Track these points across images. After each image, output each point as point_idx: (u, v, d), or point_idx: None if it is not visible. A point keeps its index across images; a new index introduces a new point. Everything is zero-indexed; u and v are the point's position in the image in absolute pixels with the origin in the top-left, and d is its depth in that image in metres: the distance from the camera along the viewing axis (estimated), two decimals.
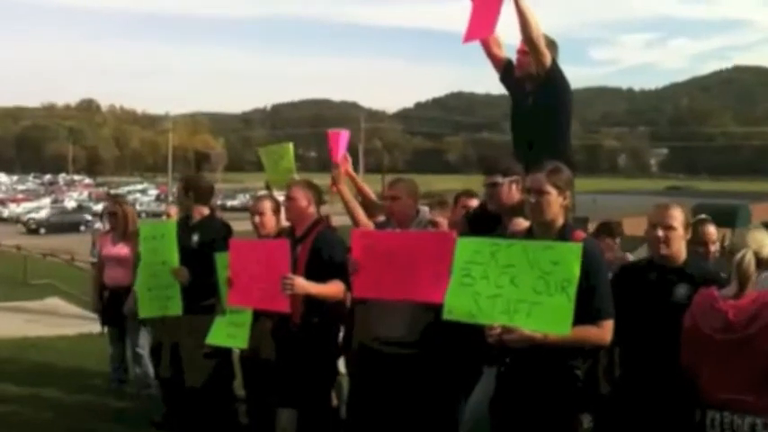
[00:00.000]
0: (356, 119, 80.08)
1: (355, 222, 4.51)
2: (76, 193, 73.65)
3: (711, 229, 4.35)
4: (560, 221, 3.21)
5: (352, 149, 4.97)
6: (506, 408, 3.27)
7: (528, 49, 4.01)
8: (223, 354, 5.04)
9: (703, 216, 4.54)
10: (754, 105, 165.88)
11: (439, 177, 78.28)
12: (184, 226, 5.24)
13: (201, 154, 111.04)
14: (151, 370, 6.26)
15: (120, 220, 6.50)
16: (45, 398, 6.47)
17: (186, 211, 5.34)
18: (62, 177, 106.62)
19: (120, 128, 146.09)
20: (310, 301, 4.25)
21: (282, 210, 4.78)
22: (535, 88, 4.10)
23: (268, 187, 5.71)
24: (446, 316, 3.20)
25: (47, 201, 61.08)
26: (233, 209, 49.87)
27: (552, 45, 4.07)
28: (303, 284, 4.13)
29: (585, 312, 3.00)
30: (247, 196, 58.52)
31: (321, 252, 4.32)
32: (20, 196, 66.98)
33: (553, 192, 3.16)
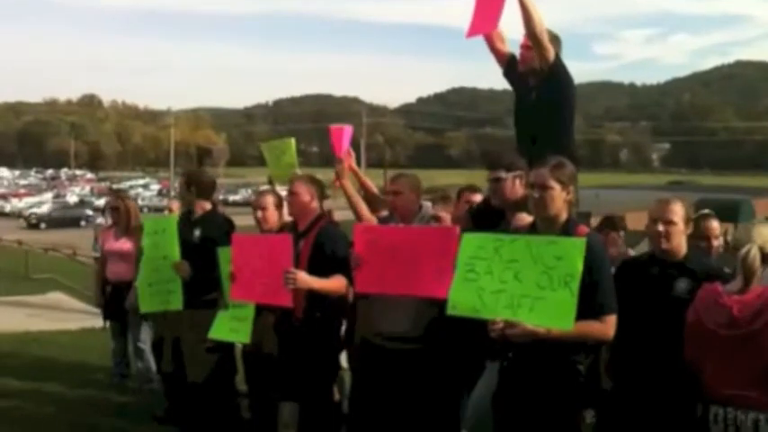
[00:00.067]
0: (358, 114, 79.98)
1: (358, 217, 4.51)
2: (78, 188, 73.78)
3: (714, 224, 4.33)
4: (564, 216, 3.20)
5: (353, 144, 4.97)
6: (509, 403, 3.27)
7: (531, 44, 4.00)
8: (225, 348, 5.04)
9: (706, 211, 4.52)
10: (756, 100, 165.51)
11: (441, 172, 78.22)
12: (186, 221, 5.24)
13: (203, 149, 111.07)
14: (153, 365, 6.27)
15: (123, 215, 6.50)
16: (47, 392, 6.48)
17: (188, 205, 5.33)
18: (64, 172, 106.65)
19: (121, 123, 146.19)
20: (313, 295, 4.25)
21: (285, 204, 4.78)
22: (538, 83, 4.09)
23: (270, 182, 5.71)
24: (450, 311, 3.19)
25: (49, 196, 61.16)
26: (235, 204, 49.83)
27: (555, 40, 4.06)
28: (305, 279, 4.13)
29: (588, 307, 2.99)
30: (249, 191, 58.61)
31: (324, 247, 4.31)
32: (22, 191, 67.03)
33: (556, 187, 3.16)
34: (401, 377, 4.02)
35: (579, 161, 3.87)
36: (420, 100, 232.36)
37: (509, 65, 4.35)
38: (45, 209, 47.95)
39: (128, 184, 77.71)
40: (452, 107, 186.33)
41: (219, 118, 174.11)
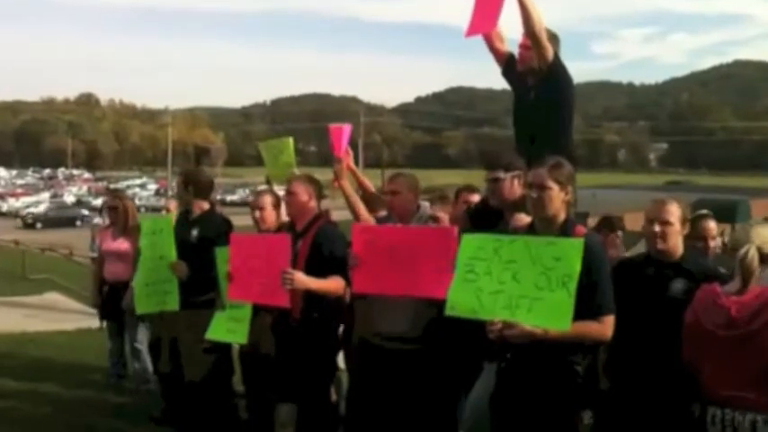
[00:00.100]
0: (356, 113, 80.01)
1: (356, 218, 4.49)
2: (76, 188, 73.78)
3: (711, 225, 4.33)
4: (562, 217, 3.19)
5: (351, 144, 4.95)
6: (506, 404, 3.26)
7: (530, 44, 3.99)
8: (222, 349, 5.02)
9: (704, 211, 4.52)
10: (754, 100, 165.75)
11: (439, 172, 78.23)
12: (184, 221, 5.23)
13: (201, 148, 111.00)
14: (150, 365, 6.25)
15: (121, 215, 6.48)
16: (44, 393, 6.46)
17: (186, 205, 5.32)
18: (61, 172, 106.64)
19: (119, 122, 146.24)
20: (310, 296, 4.24)
21: (283, 204, 4.76)
22: (537, 83, 4.08)
23: (268, 182, 5.69)
24: (449, 312, 3.18)
25: (46, 195, 61.16)
26: (232, 203, 49.85)
27: (554, 39, 4.04)
28: (303, 279, 4.12)
29: (586, 308, 2.98)
30: (247, 191, 58.56)
31: (322, 247, 4.30)
32: (19, 191, 66.95)
33: (555, 187, 3.15)
34: (399, 378, 4.01)
35: (577, 161, 3.86)
36: (418, 99, 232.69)
37: (508, 64, 4.34)
38: (41, 208, 47.89)
39: (125, 183, 77.71)
40: (450, 107, 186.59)
41: (217, 117, 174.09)
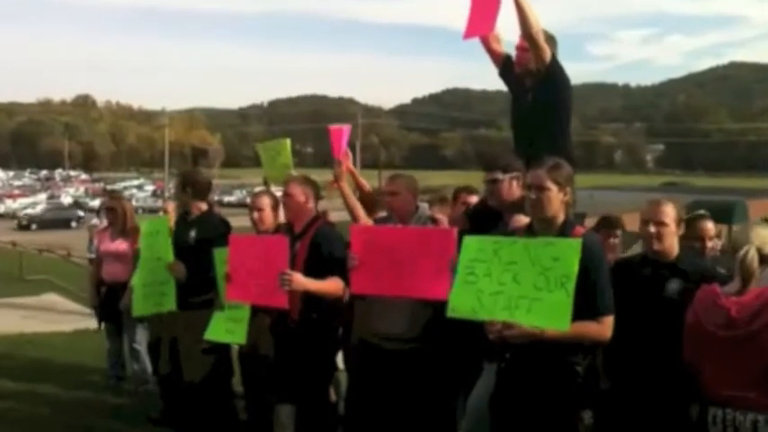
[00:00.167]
0: (353, 115, 79.95)
1: (355, 220, 4.50)
2: (73, 189, 73.58)
3: (708, 225, 4.34)
4: (561, 218, 3.20)
5: (349, 145, 4.96)
6: (506, 404, 3.26)
7: (527, 45, 4.00)
8: (221, 350, 5.03)
9: (701, 212, 4.53)
10: (749, 101, 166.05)
11: (436, 173, 78.22)
12: (182, 222, 5.24)
13: (199, 149, 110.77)
14: (149, 366, 6.26)
15: (119, 216, 6.49)
16: (42, 394, 6.46)
17: (184, 206, 5.33)
18: (58, 173, 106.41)
19: (116, 123, 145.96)
20: (309, 297, 4.24)
21: (281, 206, 4.77)
22: (535, 84, 4.09)
23: (266, 183, 5.70)
24: (450, 314, 3.19)
25: (43, 196, 61.01)
26: (230, 204, 49.78)
27: (551, 40, 4.05)
28: (301, 281, 4.12)
29: (586, 308, 3.00)
30: (244, 192, 58.49)
31: (320, 248, 4.31)
32: (16, 192, 66.80)
33: (553, 188, 3.16)
34: (398, 378, 4.02)
35: (576, 162, 3.87)
36: (415, 101, 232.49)
37: (505, 66, 4.35)
38: (39, 210, 47.81)
39: (122, 184, 77.64)
40: (447, 108, 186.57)
41: (214, 118, 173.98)
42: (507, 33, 4.34)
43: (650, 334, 3.27)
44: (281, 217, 4.82)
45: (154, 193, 64.48)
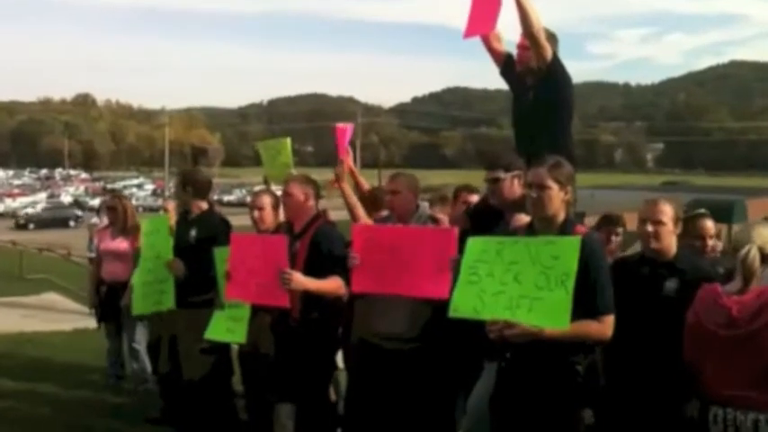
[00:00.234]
0: (353, 113, 79.95)
1: (355, 219, 4.50)
2: (73, 188, 73.63)
3: (708, 224, 4.33)
4: (562, 216, 3.20)
5: (349, 144, 4.96)
6: (506, 404, 3.26)
7: (528, 44, 3.99)
8: (221, 349, 5.03)
9: (701, 210, 4.53)
10: (750, 100, 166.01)
11: (436, 172, 78.21)
12: (183, 221, 5.24)
13: (199, 149, 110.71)
14: (148, 365, 6.26)
15: (120, 215, 6.48)
16: (41, 393, 6.46)
17: (184, 205, 5.33)
18: (58, 172, 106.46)
19: (116, 122, 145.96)
20: (309, 296, 4.24)
21: (282, 205, 4.76)
22: (536, 83, 4.08)
23: (266, 182, 5.70)
24: (452, 314, 3.18)
25: (43, 195, 61.05)
26: (229, 204, 49.80)
27: (552, 38, 4.04)
28: (301, 280, 4.12)
29: (586, 307, 2.99)
30: (244, 191, 58.53)
31: (320, 246, 4.30)
32: (16, 191, 66.82)
33: (554, 186, 3.15)
34: (397, 377, 4.01)
35: (577, 161, 3.87)
36: (415, 99, 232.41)
37: (506, 64, 4.34)
38: (39, 209, 47.83)
39: (122, 183, 77.69)
40: (447, 107, 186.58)
41: (214, 117, 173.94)
42: (508, 32, 4.34)
43: (649, 333, 3.27)
44: (282, 216, 4.82)
45: (154, 192, 64.53)
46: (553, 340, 2.97)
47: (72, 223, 44.21)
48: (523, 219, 3.48)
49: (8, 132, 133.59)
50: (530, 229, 3.28)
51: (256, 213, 4.81)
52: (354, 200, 4.63)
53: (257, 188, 5.83)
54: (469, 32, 4.06)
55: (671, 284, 3.30)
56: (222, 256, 4.68)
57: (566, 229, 3.16)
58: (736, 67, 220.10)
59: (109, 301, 6.50)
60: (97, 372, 7.20)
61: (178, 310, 5.09)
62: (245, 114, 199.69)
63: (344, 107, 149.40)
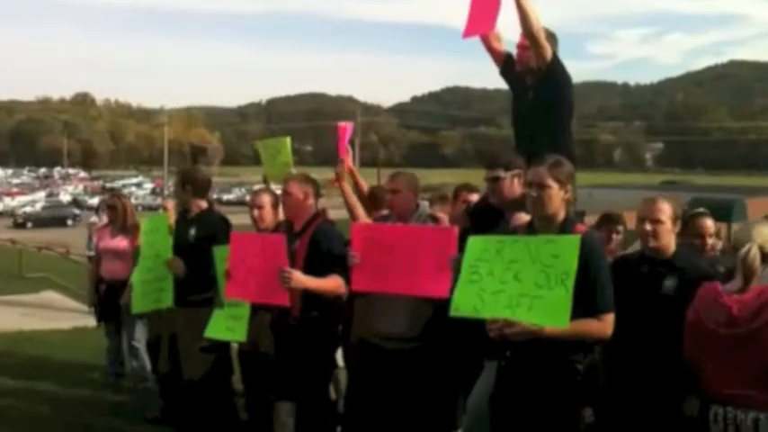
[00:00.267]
0: (352, 113, 79.92)
1: (354, 219, 4.50)
2: (72, 187, 73.58)
3: (708, 223, 4.34)
4: (562, 215, 3.20)
5: (349, 143, 4.96)
6: (506, 403, 3.26)
7: (528, 43, 3.99)
8: (221, 348, 5.03)
9: (701, 209, 4.54)
10: (749, 100, 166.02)
11: (435, 172, 78.20)
12: (182, 220, 5.24)
13: (198, 148, 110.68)
14: (148, 363, 6.25)
15: (120, 214, 6.49)
16: (41, 392, 6.46)
17: (184, 204, 5.33)
18: (57, 171, 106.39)
19: (115, 121, 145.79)
20: (309, 295, 4.24)
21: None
22: (536, 82, 4.08)
23: (265, 181, 5.70)
24: (453, 313, 3.18)
25: (42, 194, 61.02)
26: (228, 203, 49.81)
27: (552, 38, 4.04)
28: (301, 279, 4.12)
29: (586, 306, 2.99)
30: (243, 190, 58.53)
31: (320, 245, 4.30)
32: (15, 190, 66.79)
33: (554, 185, 3.15)
34: (397, 376, 4.02)
35: (577, 160, 3.87)
36: (414, 99, 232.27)
37: (506, 64, 4.34)
38: (35, 208, 47.81)
39: (121, 182, 77.64)
40: (447, 106, 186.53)
41: (213, 116, 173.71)
42: (508, 32, 4.34)
43: (647, 331, 3.27)
44: (281, 215, 4.82)
45: (153, 191, 64.50)
46: (553, 339, 2.97)
47: (70, 222, 44.22)
48: (524, 218, 3.49)
49: (7, 131, 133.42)
50: (530, 228, 3.29)
51: (256, 212, 4.81)
52: (354, 199, 4.64)
53: (256, 187, 5.84)
54: (469, 32, 4.06)
55: (670, 283, 3.30)
56: (222, 255, 4.68)
57: (566, 227, 3.16)
58: (735, 67, 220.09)
59: (108, 299, 6.50)
60: (96, 370, 7.19)
61: (178, 308, 5.10)
62: (244, 113, 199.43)
63: (344, 106, 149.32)
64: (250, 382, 5.03)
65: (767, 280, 3.01)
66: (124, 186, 67.23)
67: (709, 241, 4.30)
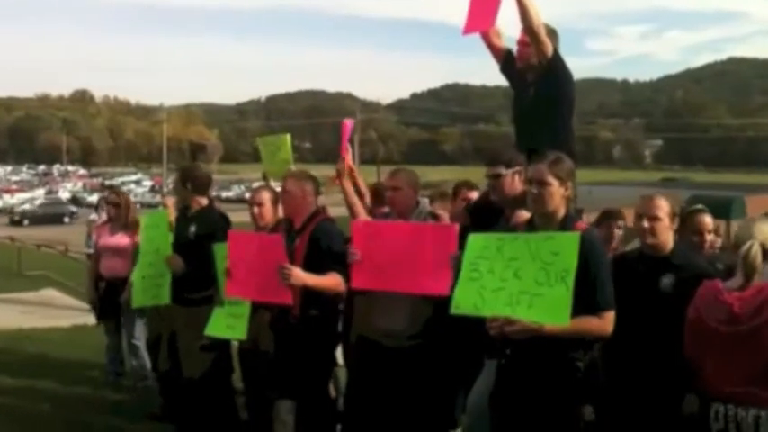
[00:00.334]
0: (351, 110, 79.92)
1: (354, 217, 4.49)
2: (71, 184, 73.53)
3: (706, 219, 4.33)
4: (562, 212, 3.19)
5: (348, 141, 4.96)
6: (506, 401, 3.26)
7: (529, 40, 3.98)
8: (221, 346, 5.02)
9: (699, 206, 4.53)
10: (748, 97, 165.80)
11: (434, 169, 78.13)
12: (183, 217, 5.24)
13: (197, 145, 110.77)
14: (147, 361, 6.26)
15: (123, 210, 6.48)
16: (40, 390, 6.45)
17: (184, 202, 5.32)
18: (56, 168, 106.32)
19: (114, 119, 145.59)
20: (308, 292, 4.23)
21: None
22: (537, 79, 4.08)
23: (265, 178, 5.70)
24: (453, 311, 3.18)
25: (41, 191, 60.97)
26: (228, 200, 49.76)
27: (553, 34, 4.04)
28: (301, 275, 4.11)
29: (587, 303, 2.99)
30: (242, 188, 58.51)
31: (319, 242, 4.29)
32: (14, 187, 66.75)
33: (555, 183, 3.15)
34: (397, 374, 4.01)
35: (577, 157, 3.86)
36: (414, 96, 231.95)
37: (506, 61, 4.33)
38: (32, 205, 47.75)
39: (120, 180, 77.61)
40: (446, 103, 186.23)
41: (212, 114, 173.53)
42: (508, 28, 4.32)
43: (646, 328, 3.28)
44: (281, 212, 4.81)
45: (152, 189, 64.49)
46: (553, 336, 2.97)
47: (66, 219, 44.18)
48: (524, 215, 3.48)
49: (6, 128, 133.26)
50: (530, 225, 3.28)
51: (256, 209, 4.80)
52: (354, 197, 4.63)
53: (256, 184, 5.83)
54: (469, 29, 4.05)
55: (667, 280, 3.31)
56: (222, 253, 4.67)
57: (566, 225, 3.16)
58: (734, 64, 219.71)
59: (108, 297, 6.49)
60: (96, 368, 7.19)
61: (177, 307, 5.09)
62: (243, 111, 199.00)
63: (342, 103, 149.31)
64: (250, 381, 5.03)
65: (767, 277, 3.00)
66: (123, 184, 67.18)
67: (708, 238, 4.30)
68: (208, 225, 5.06)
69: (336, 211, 5.02)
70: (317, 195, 4.56)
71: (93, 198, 41.57)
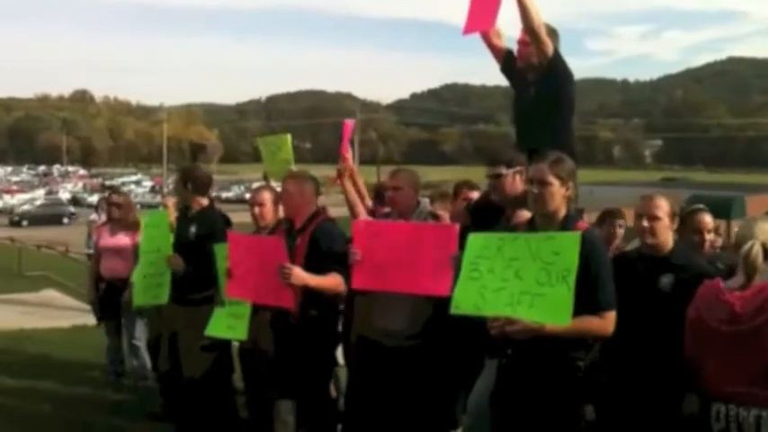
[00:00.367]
0: (351, 110, 79.94)
1: (355, 217, 4.49)
2: (71, 185, 73.54)
3: (706, 219, 4.33)
4: (563, 212, 3.19)
5: (348, 141, 4.96)
6: (507, 401, 3.26)
7: (529, 39, 3.98)
8: (222, 346, 5.02)
9: (699, 205, 4.53)
10: (748, 97, 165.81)
11: (434, 169, 78.11)
12: (183, 217, 5.24)
13: (197, 145, 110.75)
14: (148, 362, 6.26)
15: (125, 211, 6.49)
16: (41, 390, 6.45)
17: (184, 202, 5.33)
18: (56, 168, 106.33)
19: (114, 119, 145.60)
20: (309, 292, 4.23)
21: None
22: (537, 78, 4.07)
23: (265, 178, 5.69)
24: (454, 311, 3.18)
25: (41, 192, 60.96)
26: (228, 200, 49.74)
27: (553, 34, 4.03)
28: (301, 275, 4.11)
29: (588, 303, 2.99)
30: (242, 188, 58.50)
31: (320, 243, 4.29)
32: (14, 187, 66.74)
33: (555, 182, 3.15)
34: (398, 374, 4.01)
35: (578, 156, 3.86)
36: (413, 96, 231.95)
37: (506, 60, 4.33)
38: (31, 206, 47.77)
39: (120, 180, 77.66)
40: (446, 103, 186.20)
41: (212, 114, 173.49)
42: (508, 28, 4.31)
43: (645, 328, 3.28)
44: (282, 212, 4.81)
45: (152, 189, 64.52)
46: (554, 336, 2.97)
47: (66, 220, 44.18)
48: (525, 215, 3.48)
49: (5, 129, 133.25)
50: (531, 225, 3.28)
51: (257, 209, 4.80)
52: (355, 197, 4.63)
53: (256, 184, 5.83)
54: (469, 29, 4.05)
55: (666, 280, 3.31)
56: (222, 253, 4.67)
57: (567, 224, 3.16)
58: (734, 64, 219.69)
59: (108, 297, 6.49)
60: (97, 368, 7.19)
61: (178, 307, 5.09)
62: (243, 111, 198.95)
63: (342, 103, 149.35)
64: (250, 381, 5.03)
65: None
66: (123, 184, 67.21)
67: (708, 237, 4.30)
68: (208, 225, 5.07)
69: (337, 211, 5.02)
70: (318, 195, 4.56)
71: (94, 198, 41.54)
